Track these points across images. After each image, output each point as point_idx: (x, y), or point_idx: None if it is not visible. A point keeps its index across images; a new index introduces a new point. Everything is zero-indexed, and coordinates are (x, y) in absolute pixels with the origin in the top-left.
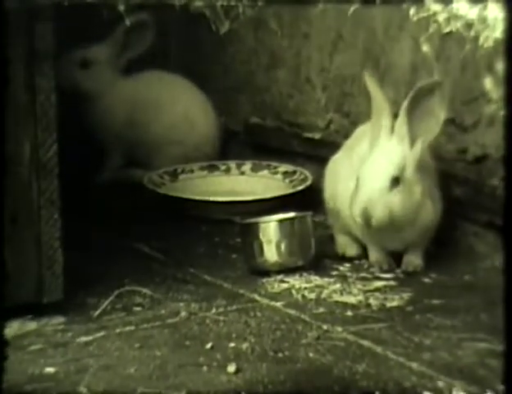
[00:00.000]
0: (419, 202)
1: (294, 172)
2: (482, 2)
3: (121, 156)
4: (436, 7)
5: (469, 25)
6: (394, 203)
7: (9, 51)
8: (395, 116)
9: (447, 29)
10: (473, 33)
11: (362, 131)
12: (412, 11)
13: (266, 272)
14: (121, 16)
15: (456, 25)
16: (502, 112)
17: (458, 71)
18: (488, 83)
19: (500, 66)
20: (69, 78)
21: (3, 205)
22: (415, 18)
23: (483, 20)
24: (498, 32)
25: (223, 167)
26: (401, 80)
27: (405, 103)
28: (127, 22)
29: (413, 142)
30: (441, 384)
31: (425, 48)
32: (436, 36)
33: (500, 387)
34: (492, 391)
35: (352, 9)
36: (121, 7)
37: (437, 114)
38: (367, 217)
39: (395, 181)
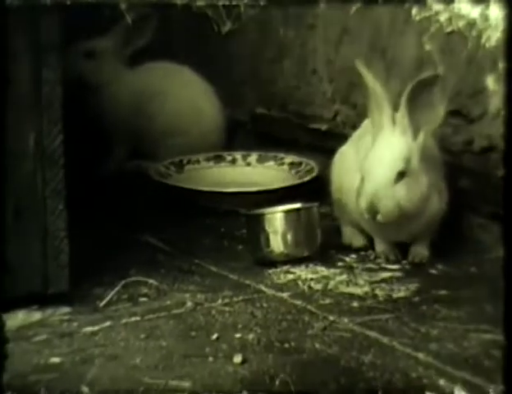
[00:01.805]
0: (425, 193)
1: (300, 163)
2: (484, 1)
3: (127, 147)
4: (438, 7)
5: (471, 25)
6: (400, 196)
7: (14, 42)
8: (397, 107)
9: (449, 29)
10: (475, 32)
11: (369, 123)
12: (414, 10)
13: (272, 262)
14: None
15: (458, 25)
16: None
17: (463, 66)
18: (490, 82)
19: (501, 64)
20: (74, 69)
21: (8, 195)
22: (417, 18)
23: (485, 19)
24: (500, 31)
25: (229, 158)
26: (407, 73)
27: (405, 95)
28: (129, 20)
29: (415, 133)
30: (442, 383)
31: (428, 46)
32: (439, 35)
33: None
34: (495, 386)
35: (354, 8)
36: (123, 6)
37: (438, 106)
38: (373, 212)
39: (401, 174)
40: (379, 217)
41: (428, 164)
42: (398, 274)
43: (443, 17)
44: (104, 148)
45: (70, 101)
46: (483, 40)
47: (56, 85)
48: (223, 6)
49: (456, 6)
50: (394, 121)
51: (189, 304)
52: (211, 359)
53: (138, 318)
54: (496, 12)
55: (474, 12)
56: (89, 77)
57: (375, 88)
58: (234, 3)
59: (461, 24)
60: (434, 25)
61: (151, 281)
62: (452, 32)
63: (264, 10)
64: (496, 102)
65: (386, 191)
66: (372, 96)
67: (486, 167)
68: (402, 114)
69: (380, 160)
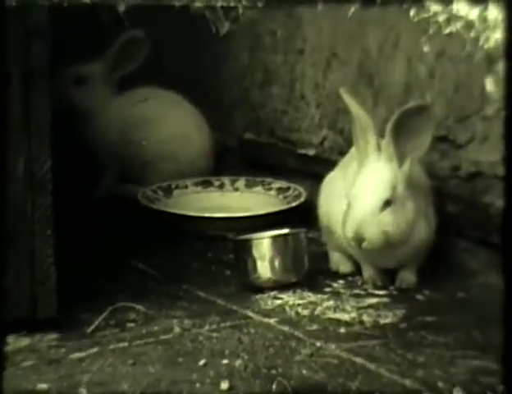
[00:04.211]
0: (412, 220)
1: (288, 188)
2: (482, 2)
3: (116, 172)
4: (437, 8)
5: (470, 26)
6: (386, 224)
7: (5, 67)
8: (384, 134)
9: (448, 30)
10: (473, 34)
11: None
12: (412, 12)
13: (259, 288)
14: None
15: (457, 26)
16: (498, 128)
17: (451, 90)
18: (489, 83)
19: (500, 66)
20: (63, 95)
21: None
22: (416, 19)
23: (484, 20)
24: (498, 32)
25: (217, 183)
26: (395, 98)
27: (390, 124)
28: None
29: (401, 160)
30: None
31: (426, 48)
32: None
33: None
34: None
35: (352, 9)
36: (121, 8)
37: (424, 135)
38: (359, 240)
39: (387, 203)
40: (365, 244)
41: (415, 190)
42: (385, 300)
43: (441, 18)
44: (93, 174)
45: (60, 127)
46: (481, 42)
47: (45, 110)
48: (221, 7)
49: (455, 7)
50: (379, 148)
51: (176, 329)
52: (198, 385)
53: (125, 344)
54: (494, 13)
55: (473, 13)
56: (79, 103)
57: (359, 115)
58: (232, 5)
59: (459, 25)
60: (432, 27)
61: (138, 306)
62: (450, 33)
63: (262, 11)
64: (483, 127)
65: (372, 219)
66: (357, 123)
67: (473, 192)
68: (387, 142)
69: (366, 188)
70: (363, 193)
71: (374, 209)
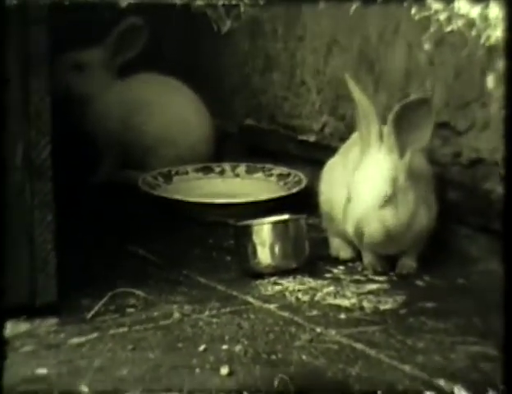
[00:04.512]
0: (413, 211)
1: (288, 175)
2: (483, 0)
3: (116, 157)
4: (438, 6)
5: (471, 24)
6: (387, 218)
7: (3, 52)
8: (385, 121)
9: (449, 28)
10: (474, 32)
11: (357, 136)
12: (413, 10)
13: (259, 274)
14: (116, 18)
15: (458, 24)
16: (498, 115)
17: (451, 77)
18: (489, 81)
19: (501, 64)
20: (63, 81)
21: None
22: (417, 17)
23: (485, 18)
24: (499, 31)
25: (218, 169)
26: (395, 85)
27: (391, 116)
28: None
29: (402, 152)
30: (441, 383)
31: (426, 45)
32: (437, 35)
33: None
34: (493, 391)
35: (354, 7)
36: (123, 3)
37: (425, 127)
38: (360, 234)
39: (388, 198)
40: (366, 239)
41: (416, 179)
42: (385, 286)
43: (442, 16)
44: (93, 159)
45: (59, 113)
46: (482, 40)
47: (44, 96)
48: (223, 5)
49: (456, 5)
50: (381, 138)
51: (176, 315)
52: (198, 370)
53: (125, 330)
54: (495, 11)
55: (474, 12)
56: (78, 89)
57: (362, 102)
58: (233, 3)
59: (460, 23)
60: (433, 25)
61: (138, 292)
62: (452, 31)
63: (263, 9)
64: (484, 113)
65: (373, 215)
66: (360, 110)
67: (474, 179)
68: (389, 134)
69: (366, 182)
70: (364, 189)
71: (374, 205)
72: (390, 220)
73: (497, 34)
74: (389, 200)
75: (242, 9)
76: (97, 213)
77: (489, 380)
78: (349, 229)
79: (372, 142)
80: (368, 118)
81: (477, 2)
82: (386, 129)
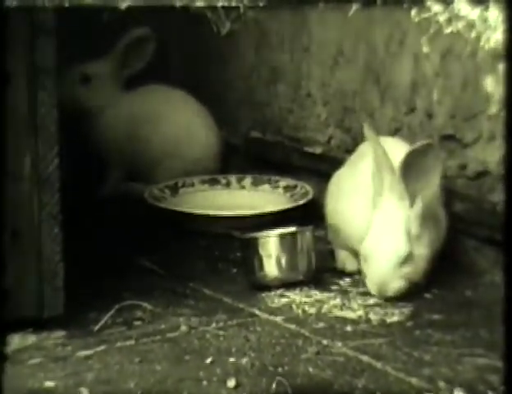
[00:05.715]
0: (428, 252)
1: (295, 186)
2: (483, 2)
3: (123, 170)
4: (438, 8)
5: (471, 26)
6: (408, 271)
7: (10, 65)
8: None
9: (449, 30)
10: (474, 34)
11: (366, 147)
12: (413, 12)
13: (266, 286)
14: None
15: (458, 26)
16: (501, 127)
17: (458, 88)
18: (489, 83)
19: (501, 66)
20: (69, 93)
21: (4, 219)
22: (416, 19)
23: (485, 20)
24: (499, 33)
25: (224, 181)
26: (401, 97)
27: (399, 166)
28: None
29: (412, 199)
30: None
31: (426, 48)
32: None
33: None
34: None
35: (354, 8)
36: (123, 5)
37: (432, 174)
38: (384, 292)
39: (405, 257)
40: (390, 294)
41: (428, 220)
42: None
43: (442, 18)
44: (100, 172)
45: (66, 125)
46: (482, 42)
47: (51, 108)
48: (222, 7)
49: (456, 6)
50: (392, 188)
51: (183, 327)
52: (205, 383)
53: (132, 342)
54: (495, 14)
55: (473, 13)
56: (85, 101)
57: (378, 152)
58: (233, 4)
59: (460, 25)
60: (433, 26)
61: (145, 304)
62: (451, 33)
63: (264, 11)
64: (490, 125)
65: (394, 274)
66: (375, 160)
67: (480, 191)
68: (398, 182)
69: (384, 243)
70: (382, 247)
71: (395, 266)
72: (411, 273)
73: (497, 36)
74: (407, 259)
75: (241, 11)
76: (104, 225)
77: (495, 392)
78: (370, 287)
79: (384, 192)
80: (382, 168)
81: (477, 4)
82: (395, 177)
